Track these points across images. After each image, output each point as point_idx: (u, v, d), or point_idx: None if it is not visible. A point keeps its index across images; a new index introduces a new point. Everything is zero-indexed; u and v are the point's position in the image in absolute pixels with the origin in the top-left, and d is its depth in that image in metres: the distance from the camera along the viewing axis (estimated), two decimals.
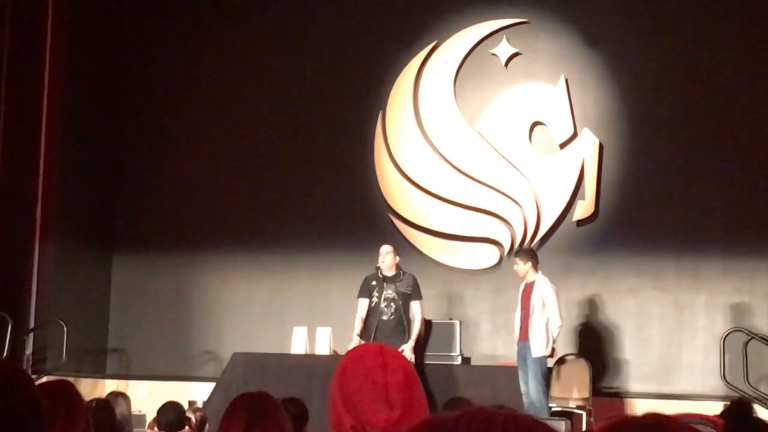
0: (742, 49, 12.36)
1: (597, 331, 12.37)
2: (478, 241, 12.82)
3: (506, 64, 12.94)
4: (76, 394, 3.69)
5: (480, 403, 1.46)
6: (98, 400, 6.99)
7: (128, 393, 12.18)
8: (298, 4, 13.53)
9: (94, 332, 13.29)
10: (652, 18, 12.61)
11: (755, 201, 12.15)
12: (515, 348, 10.77)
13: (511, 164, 12.78)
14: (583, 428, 10.48)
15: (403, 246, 12.87)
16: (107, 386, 12.59)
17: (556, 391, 10.72)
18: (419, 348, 10.78)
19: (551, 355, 10.54)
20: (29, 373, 8.35)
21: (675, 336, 12.21)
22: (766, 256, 12.05)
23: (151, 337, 13.28)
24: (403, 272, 10.84)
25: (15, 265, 12.39)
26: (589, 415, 10.70)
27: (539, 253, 12.58)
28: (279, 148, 13.35)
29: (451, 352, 10.91)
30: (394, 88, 13.14)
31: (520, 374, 10.41)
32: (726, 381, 10.98)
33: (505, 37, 12.93)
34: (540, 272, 10.73)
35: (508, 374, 10.74)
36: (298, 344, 10.95)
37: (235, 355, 11.07)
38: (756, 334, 11.23)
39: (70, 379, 12.72)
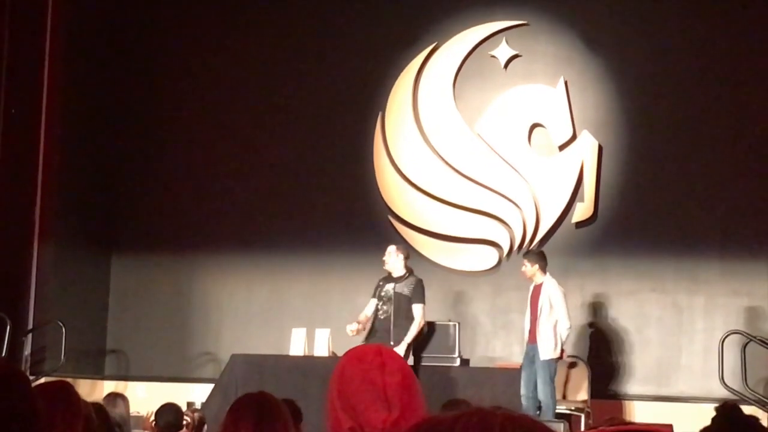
0: (741, 51, 12.37)
1: (595, 333, 12.37)
2: (477, 243, 12.82)
3: (506, 66, 12.94)
4: (75, 395, 3.69)
5: (478, 405, 1.45)
6: (93, 404, 6.99)
7: (127, 394, 12.21)
8: (297, 5, 13.53)
9: (93, 333, 13.29)
10: (652, 20, 12.62)
11: (754, 203, 12.16)
12: (514, 349, 10.75)
13: (511, 166, 12.79)
14: (582, 431, 10.48)
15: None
16: (106, 387, 12.58)
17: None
18: (417, 350, 10.78)
19: (561, 357, 10.45)
20: (27, 374, 8.34)
21: (674, 338, 12.21)
22: (765, 258, 12.05)
23: (150, 338, 13.28)
24: (411, 275, 10.83)
25: (13, 265, 12.39)
26: (587, 417, 10.70)
27: None
28: (278, 150, 13.36)
29: (450, 353, 10.90)
30: (393, 89, 13.15)
31: (523, 375, 10.34)
32: (724, 383, 10.97)
33: (504, 39, 12.93)
34: (548, 274, 10.68)
35: (507, 376, 10.73)
36: (297, 346, 10.95)
37: (233, 356, 11.07)
38: (755, 337, 11.23)
39: (69, 380, 12.72)
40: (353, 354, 2.46)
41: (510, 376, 10.68)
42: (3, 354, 11.60)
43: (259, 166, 13.38)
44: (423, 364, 10.77)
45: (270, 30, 13.52)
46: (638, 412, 11.83)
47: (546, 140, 12.77)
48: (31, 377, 8.85)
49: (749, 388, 10.90)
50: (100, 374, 13.29)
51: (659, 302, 12.28)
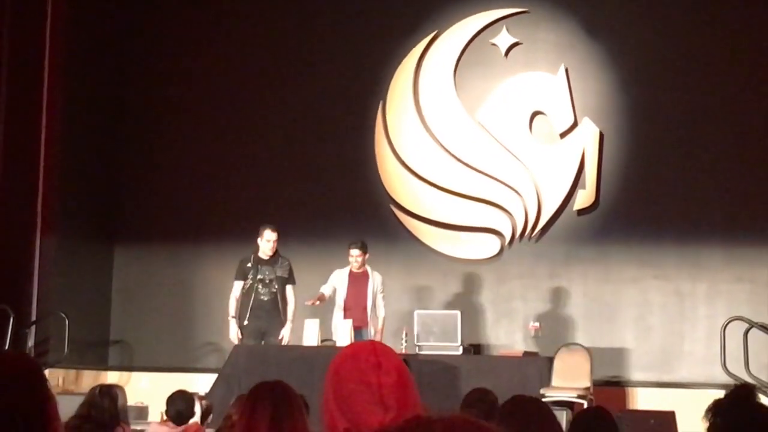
0: (742, 38, 12.35)
1: (598, 320, 12.38)
2: (478, 231, 12.83)
3: (506, 53, 12.93)
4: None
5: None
6: (101, 386, 7.00)
7: (131, 385, 12.25)
8: None
9: (96, 324, 13.31)
10: (652, 7, 12.60)
11: (756, 189, 12.15)
12: (516, 337, 10.76)
13: (512, 154, 12.78)
14: None
15: (403, 236, 12.90)
16: (109, 378, 12.61)
17: (556, 380, 10.72)
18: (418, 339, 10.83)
19: None
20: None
21: (676, 325, 12.22)
22: (767, 244, 12.04)
23: (153, 328, 13.30)
24: (281, 256, 11.25)
25: (16, 257, 12.40)
26: (590, 404, 10.70)
27: (540, 243, 12.62)
28: (279, 139, 13.36)
29: (452, 342, 10.92)
30: (394, 78, 13.14)
31: None
32: (726, 369, 10.98)
33: (505, 26, 12.92)
34: None
35: (509, 364, 10.75)
36: (310, 336, 10.95)
37: (236, 346, 11.08)
38: (756, 323, 11.23)
39: (72, 371, 12.80)
40: (347, 352, 2.46)
41: (512, 364, 10.70)
42: (6, 346, 11.63)
43: (261, 156, 13.38)
44: (425, 352, 10.80)
45: (270, 20, 13.50)
46: (641, 399, 11.85)
47: (547, 128, 12.76)
48: None
49: (751, 374, 10.90)
50: (103, 365, 13.31)
51: (662, 289, 12.29)
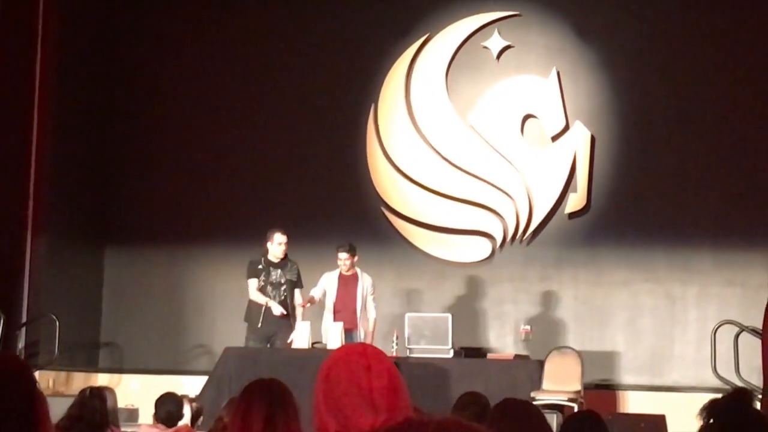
0: (733, 42, 12.37)
1: (589, 323, 12.39)
2: (470, 234, 12.83)
3: (498, 56, 12.94)
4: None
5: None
6: (92, 388, 6.98)
7: (121, 387, 12.22)
8: None
9: (87, 326, 13.29)
10: (644, 10, 12.61)
11: (747, 193, 12.17)
12: (507, 341, 10.75)
13: (503, 157, 12.79)
14: None
15: (395, 239, 12.90)
16: (100, 380, 12.58)
17: (547, 384, 10.72)
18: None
19: None
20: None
21: (667, 328, 12.24)
22: (758, 248, 12.07)
23: (144, 331, 13.28)
24: (290, 260, 11.27)
25: (7, 259, 12.38)
26: (580, 407, 10.71)
27: (531, 246, 12.63)
28: (270, 141, 13.35)
29: (443, 345, 10.91)
30: (386, 80, 13.14)
31: None
32: (717, 373, 10.99)
33: (496, 29, 12.93)
34: None
35: (500, 367, 10.75)
36: (301, 339, 10.94)
37: (227, 349, 11.07)
38: (747, 327, 11.24)
39: (63, 373, 12.77)
40: (338, 355, 2.46)
41: (503, 367, 10.70)
42: None
43: (252, 158, 13.38)
44: (416, 355, 10.79)
45: (262, 23, 13.50)
46: (631, 402, 11.86)
47: (539, 131, 12.78)
48: None
49: (741, 378, 10.91)
50: (93, 367, 13.29)
51: (652, 292, 12.30)
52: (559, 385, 10.81)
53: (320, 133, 13.21)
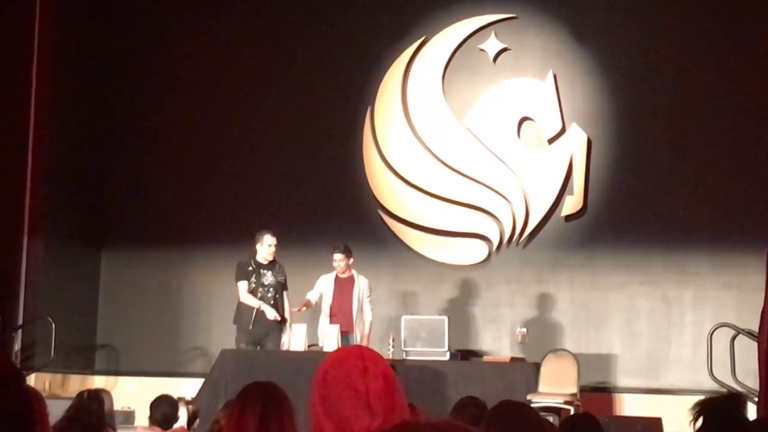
0: (730, 44, 12.38)
1: (585, 326, 12.39)
2: (466, 237, 12.83)
3: (494, 59, 12.95)
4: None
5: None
6: (89, 391, 6.98)
7: (117, 389, 12.21)
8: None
9: (83, 329, 13.28)
10: (640, 13, 12.63)
11: (743, 196, 12.18)
12: (503, 343, 10.75)
13: (500, 159, 12.80)
14: None
15: (391, 241, 12.90)
16: (96, 383, 12.56)
17: (543, 386, 10.73)
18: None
19: None
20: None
21: (663, 331, 12.24)
22: (754, 250, 12.04)
23: (140, 333, 13.27)
24: (278, 262, 11.28)
25: (3, 262, 12.37)
26: (577, 410, 10.71)
27: (528, 248, 12.64)
28: (267, 144, 13.35)
29: (439, 347, 10.91)
30: (382, 83, 13.15)
31: None
32: (713, 376, 11.00)
33: (493, 32, 12.94)
34: None
35: (496, 370, 10.75)
36: (297, 341, 10.93)
37: (223, 351, 11.06)
38: (743, 329, 11.25)
39: (59, 375, 12.76)
40: (335, 358, 2.46)
41: (499, 369, 10.70)
42: None
43: (249, 161, 13.38)
44: (412, 358, 10.79)
45: (259, 25, 13.50)
46: (628, 405, 11.87)
47: (535, 133, 12.78)
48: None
49: (737, 381, 10.92)
50: (90, 370, 13.28)
51: (649, 295, 12.31)
52: (555, 387, 10.81)
53: (317, 135, 13.21)
